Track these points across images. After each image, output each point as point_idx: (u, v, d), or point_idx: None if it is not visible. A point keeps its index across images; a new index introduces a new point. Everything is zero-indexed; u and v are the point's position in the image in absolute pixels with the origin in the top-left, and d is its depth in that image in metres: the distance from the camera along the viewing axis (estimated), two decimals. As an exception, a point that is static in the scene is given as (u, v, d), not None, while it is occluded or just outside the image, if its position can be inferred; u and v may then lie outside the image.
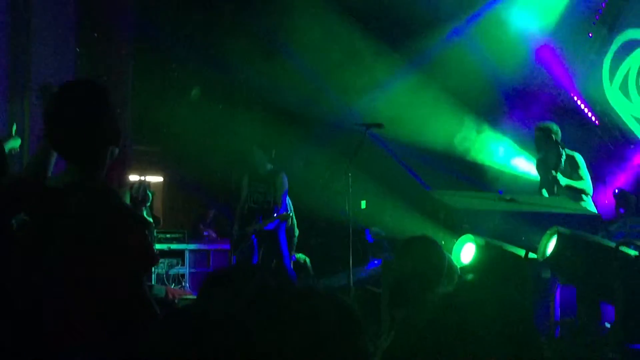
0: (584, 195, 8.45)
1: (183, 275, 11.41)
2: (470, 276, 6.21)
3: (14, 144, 5.75)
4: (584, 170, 8.48)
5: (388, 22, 11.94)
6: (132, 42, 10.28)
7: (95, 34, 9.56)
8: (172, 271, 11.25)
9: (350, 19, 11.62)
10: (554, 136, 8.54)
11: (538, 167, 9.00)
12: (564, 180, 8.31)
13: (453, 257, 6.98)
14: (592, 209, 8.45)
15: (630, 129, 12.01)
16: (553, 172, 8.33)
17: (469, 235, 7.11)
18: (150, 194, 10.15)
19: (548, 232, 6.60)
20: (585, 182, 8.46)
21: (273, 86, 11.83)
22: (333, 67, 11.73)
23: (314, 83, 11.79)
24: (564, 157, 8.37)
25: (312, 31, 11.63)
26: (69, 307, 3.05)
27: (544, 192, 8.56)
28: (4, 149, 3.86)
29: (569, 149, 8.54)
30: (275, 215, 9.25)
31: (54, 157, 3.67)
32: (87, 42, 9.56)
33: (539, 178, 8.96)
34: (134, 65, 10.42)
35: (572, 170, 8.43)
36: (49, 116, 3.16)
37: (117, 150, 3.27)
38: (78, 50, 9.20)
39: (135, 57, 10.64)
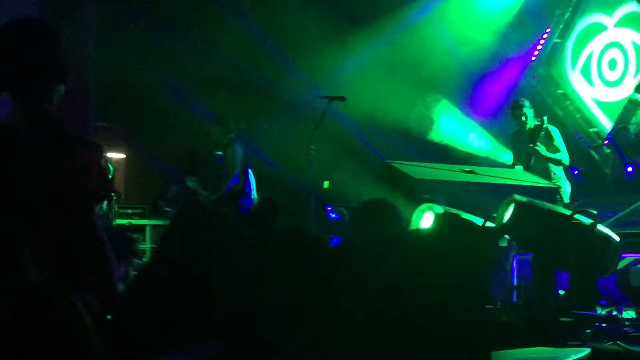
0: (560, 166, 8.83)
1: (144, 251, 11.34)
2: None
3: None
4: (559, 142, 8.83)
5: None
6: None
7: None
8: (133, 246, 11.15)
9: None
10: (531, 110, 8.94)
11: (512, 141, 9.37)
12: (544, 151, 8.64)
13: (412, 226, 7.02)
14: (565, 181, 8.86)
15: (591, 113, 12.13)
16: (530, 145, 8.63)
17: (428, 204, 7.15)
18: (111, 168, 10.08)
19: (505, 200, 6.67)
20: (562, 154, 8.82)
21: (239, 63, 11.80)
22: (299, 44, 11.74)
23: (279, 60, 11.80)
24: (543, 129, 8.67)
25: (280, 9, 11.64)
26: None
27: (518, 166, 8.80)
28: None
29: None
30: (228, 186, 9.15)
31: None
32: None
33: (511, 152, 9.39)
34: (95, 38, 10.27)
35: (548, 142, 8.73)
36: None
37: (63, 88, 3.27)
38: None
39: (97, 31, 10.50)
